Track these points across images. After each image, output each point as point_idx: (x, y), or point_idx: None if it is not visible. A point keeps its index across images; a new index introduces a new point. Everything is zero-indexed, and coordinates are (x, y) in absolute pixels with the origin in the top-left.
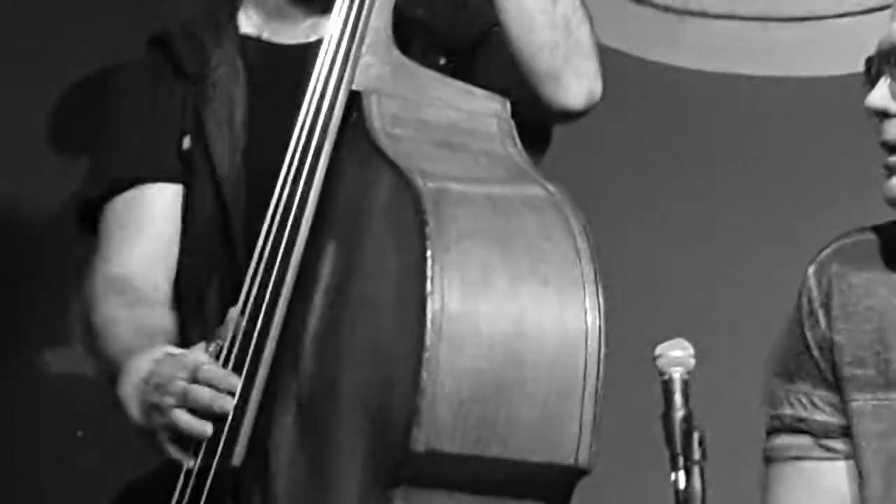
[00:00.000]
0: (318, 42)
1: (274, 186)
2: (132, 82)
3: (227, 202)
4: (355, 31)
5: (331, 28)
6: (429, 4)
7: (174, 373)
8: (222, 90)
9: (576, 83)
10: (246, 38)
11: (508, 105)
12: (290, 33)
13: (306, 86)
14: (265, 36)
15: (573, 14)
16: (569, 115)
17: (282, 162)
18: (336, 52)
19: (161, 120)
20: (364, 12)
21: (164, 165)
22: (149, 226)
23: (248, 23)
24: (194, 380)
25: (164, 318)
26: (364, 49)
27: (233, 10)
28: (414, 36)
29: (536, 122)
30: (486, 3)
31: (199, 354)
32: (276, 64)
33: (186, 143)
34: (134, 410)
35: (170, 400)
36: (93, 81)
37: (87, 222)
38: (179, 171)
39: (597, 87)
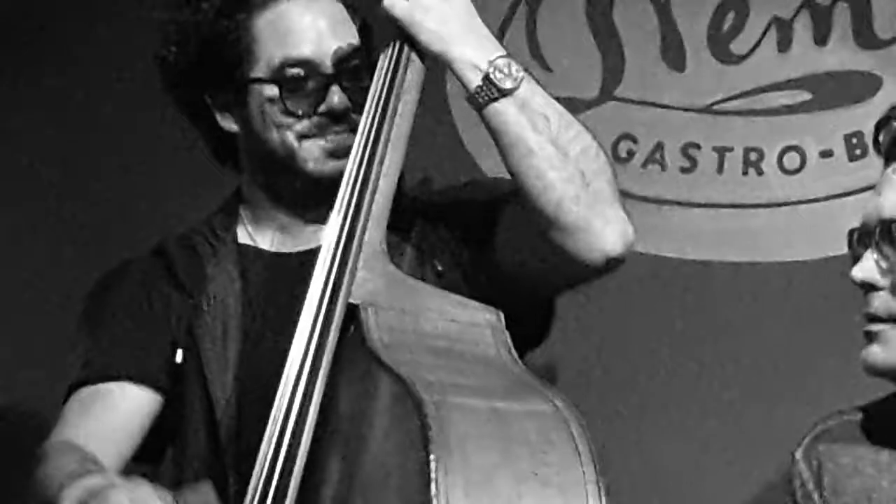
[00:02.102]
0: (305, 252)
1: (267, 398)
2: (131, 283)
3: (219, 418)
4: (349, 246)
5: (326, 243)
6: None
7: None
8: (217, 305)
9: (607, 228)
10: (243, 247)
11: (502, 316)
12: (293, 243)
13: (301, 293)
14: (265, 246)
15: (588, 165)
16: (608, 263)
17: (275, 374)
18: (331, 267)
19: (152, 326)
20: (359, 227)
21: (143, 371)
22: (109, 417)
23: (248, 235)
24: None
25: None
26: (360, 263)
27: (231, 222)
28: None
29: (570, 285)
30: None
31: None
32: (273, 272)
33: (179, 357)
34: None
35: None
36: None
37: None
38: (161, 380)
39: (629, 229)
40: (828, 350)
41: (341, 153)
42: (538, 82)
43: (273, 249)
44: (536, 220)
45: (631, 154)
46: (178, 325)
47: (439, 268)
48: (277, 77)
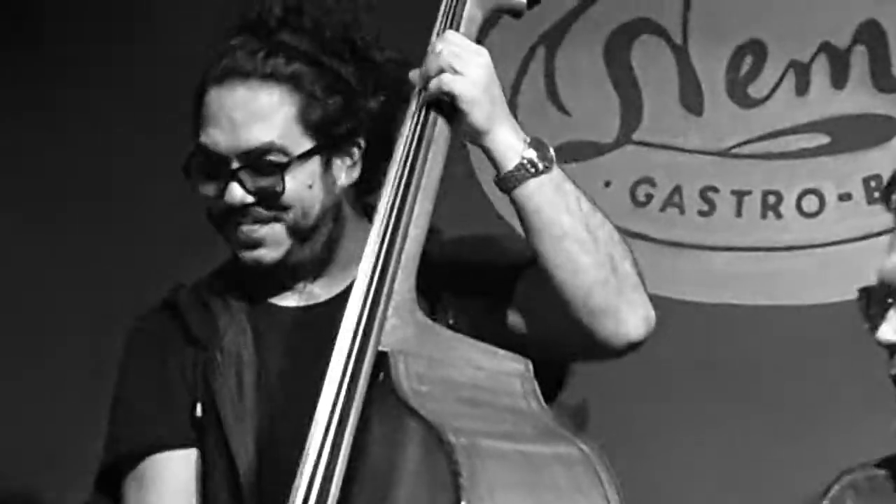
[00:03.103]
0: (317, 305)
1: (289, 451)
2: (144, 348)
3: (240, 472)
4: (380, 294)
5: (356, 291)
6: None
7: None
8: (231, 357)
9: (633, 314)
10: (254, 301)
11: (531, 365)
12: (293, 297)
13: (315, 345)
14: (275, 300)
15: (614, 249)
16: (630, 347)
17: (296, 427)
18: (362, 314)
19: (172, 388)
20: (388, 275)
21: (176, 433)
22: (164, 495)
23: (257, 289)
24: None
25: None
26: (390, 311)
27: (240, 277)
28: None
29: (584, 360)
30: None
31: None
32: (285, 325)
33: (199, 410)
34: None
35: None
36: None
37: (103, 492)
38: (192, 437)
39: (652, 313)
40: (847, 394)
41: (251, 244)
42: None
43: (283, 303)
44: (563, 302)
45: (649, 198)
46: (195, 380)
47: (451, 321)
48: (192, 160)
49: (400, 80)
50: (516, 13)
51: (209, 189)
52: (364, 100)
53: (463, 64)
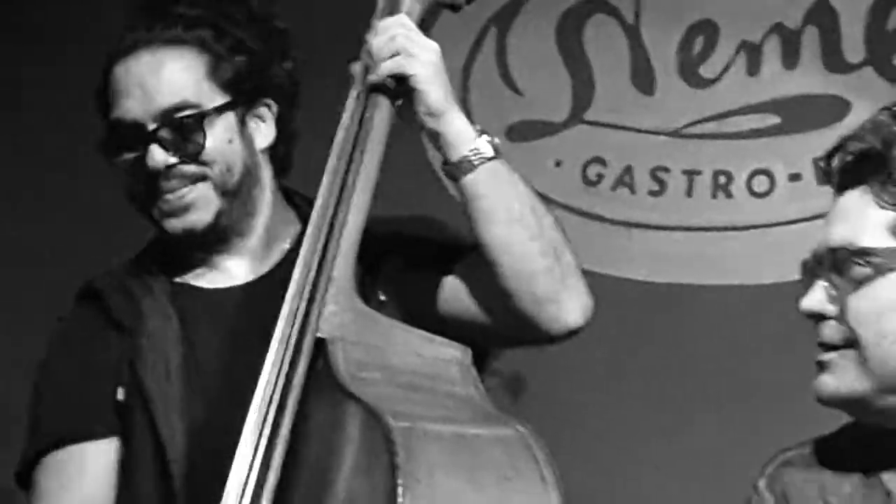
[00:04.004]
0: (243, 285)
1: (222, 436)
2: (65, 339)
3: (170, 457)
4: (319, 280)
5: (295, 277)
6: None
7: None
8: (156, 341)
9: (574, 302)
10: (176, 284)
11: (469, 352)
12: (223, 278)
13: (242, 327)
14: (196, 283)
15: (558, 238)
16: (569, 335)
17: (227, 411)
18: (300, 300)
19: (94, 376)
20: (328, 262)
21: (98, 422)
22: (82, 482)
23: (178, 272)
24: None
25: None
26: (328, 298)
27: (161, 260)
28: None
29: (517, 346)
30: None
31: None
32: (208, 307)
33: (120, 394)
34: None
35: None
36: None
37: (24, 482)
38: (114, 425)
39: (591, 302)
40: (797, 374)
41: (180, 212)
42: None
43: (206, 285)
44: (505, 289)
45: (600, 177)
46: (119, 365)
47: (382, 297)
48: (107, 139)
49: (298, 54)
50: (455, 7)
51: (129, 159)
52: (269, 62)
53: (417, 47)
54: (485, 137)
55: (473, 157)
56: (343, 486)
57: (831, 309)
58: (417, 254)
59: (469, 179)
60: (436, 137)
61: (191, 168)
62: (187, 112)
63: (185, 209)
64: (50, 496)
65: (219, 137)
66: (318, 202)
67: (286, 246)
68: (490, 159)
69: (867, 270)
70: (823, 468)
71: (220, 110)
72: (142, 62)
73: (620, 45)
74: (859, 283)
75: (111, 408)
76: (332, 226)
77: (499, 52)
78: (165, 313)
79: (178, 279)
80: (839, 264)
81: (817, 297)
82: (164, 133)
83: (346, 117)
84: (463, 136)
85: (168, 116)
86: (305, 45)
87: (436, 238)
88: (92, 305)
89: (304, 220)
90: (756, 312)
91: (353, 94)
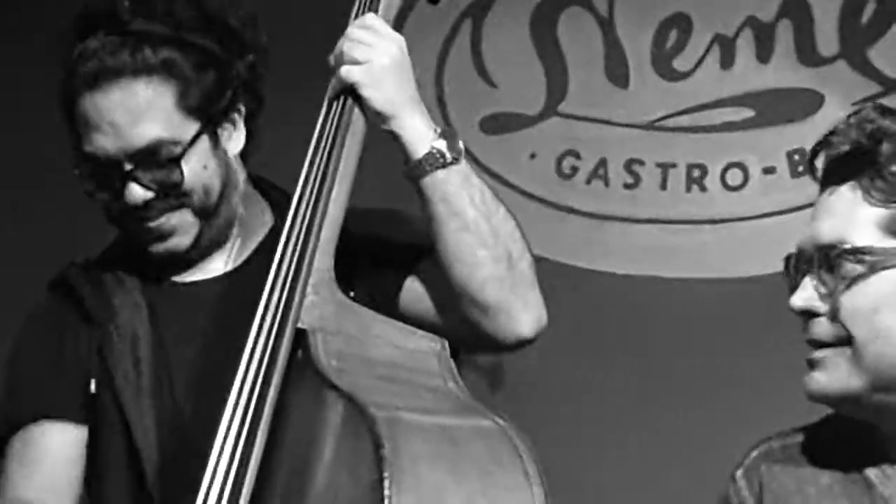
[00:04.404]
0: (217, 278)
1: (196, 428)
2: (36, 328)
3: (140, 448)
4: (299, 272)
5: (274, 268)
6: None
7: None
8: (126, 333)
9: (525, 313)
10: (147, 278)
11: (447, 344)
12: (190, 272)
13: (212, 320)
14: (166, 275)
15: (514, 247)
16: (520, 345)
17: (201, 404)
18: (281, 292)
19: (65, 364)
20: (308, 253)
21: (65, 405)
22: (46, 464)
23: (148, 263)
24: None
25: None
26: (309, 289)
27: (133, 253)
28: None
29: (469, 351)
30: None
31: None
32: (179, 300)
33: (93, 386)
34: None
35: None
36: None
37: None
38: (84, 415)
39: (544, 315)
40: (770, 367)
41: (161, 238)
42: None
43: (180, 279)
44: (457, 293)
45: (574, 170)
46: (90, 357)
47: (351, 293)
48: (81, 168)
49: (258, 39)
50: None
51: (106, 194)
52: (233, 67)
53: (365, 52)
54: (443, 141)
55: (427, 162)
56: (324, 477)
57: (822, 306)
58: (383, 254)
59: (424, 183)
60: (395, 139)
61: (170, 200)
62: (163, 153)
63: (167, 235)
64: (14, 476)
65: (195, 167)
66: (297, 193)
67: (259, 238)
68: (447, 164)
69: (860, 268)
70: (803, 459)
71: (193, 141)
72: (110, 97)
73: (594, 38)
74: (851, 280)
75: (80, 397)
76: (312, 217)
77: (473, 44)
78: (137, 306)
79: (150, 272)
80: (830, 262)
81: (807, 295)
82: (141, 172)
83: (322, 113)
84: (417, 138)
85: (144, 155)
86: (284, 31)
87: (402, 237)
88: (64, 296)
89: (275, 208)
90: (730, 305)
91: (328, 91)
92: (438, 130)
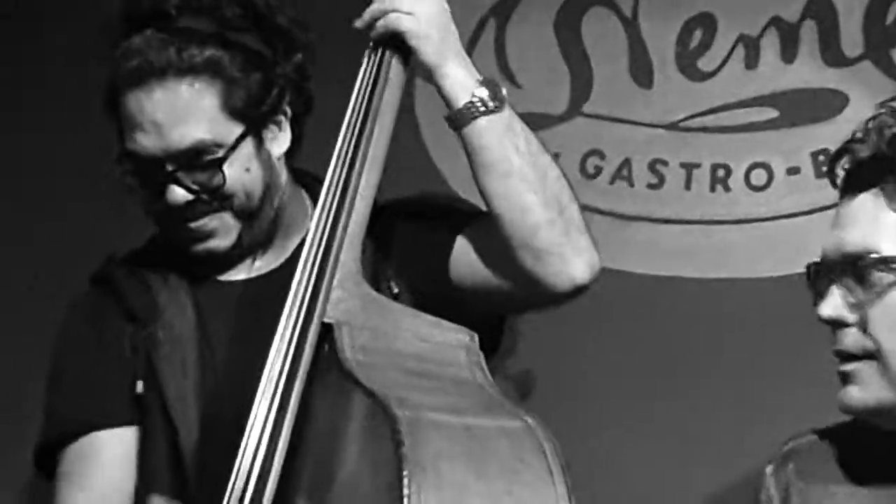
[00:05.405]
0: (259, 277)
1: (232, 425)
2: (79, 326)
3: (183, 447)
4: (325, 266)
5: (302, 262)
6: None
7: None
8: (172, 333)
9: (578, 257)
10: (192, 276)
11: (476, 337)
12: (235, 271)
13: (257, 319)
14: (210, 273)
15: (562, 192)
16: (575, 291)
17: (240, 402)
18: (307, 286)
19: (110, 363)
20: (334, 247)
21: (115, 410)
22: (98, 477)
23: (193, 262)
24: None
25: None
26: (335, 283)
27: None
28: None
29: (529, 308)
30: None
31: None
32: (225, 299)
33: (140, 387)
34: None
35: None
36: None
37: (43, 469)
38: (132, 415)
39: (596, 258)
40: (795, 367)
41: (202, 238)
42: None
43: (224, 277)
44: (507, 243)
45: (599, 170)
46: (135, 357)
47: (395, 290)
48: (123, 165)
49: (306, 38)
50: None
51: (148, 193)
52: (280, 67)
53: (411, 2)
54: (484, 90)
55: (469, 111)
56: (347, 471)
57: (850, 316)
58: (426, 222)
59: (466, 131)
60: (438, 89)
61: (211, 203)
62: (205, 155)
63: (207, 236)
64: (72, 483)
65: (237, 170)
66: (324, 188)
67: (302, 234)
68: (489, 111)
69: (890, 277)
70: (831, 459)
71: (236, 144)
72: (154, 97)
73: (619, 37)
74: (881, 291)
75: (129, 398)
76: (339, 212)
77: (497, 44)
78: (182, 305)
79: (196, 270)
80: (857, 271)
81: (835, 303)
82: (182, 174)
83: (354, 93)
84: (460, 87)
85: (186, 157)
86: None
87: (443, 205)
88: (107, 294)
89: (316, 201)
90: (754, 305)
91: (361, 69)
92: (480, 79)
